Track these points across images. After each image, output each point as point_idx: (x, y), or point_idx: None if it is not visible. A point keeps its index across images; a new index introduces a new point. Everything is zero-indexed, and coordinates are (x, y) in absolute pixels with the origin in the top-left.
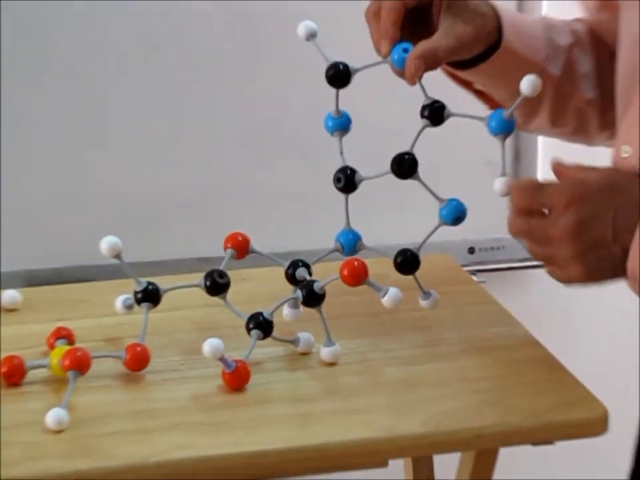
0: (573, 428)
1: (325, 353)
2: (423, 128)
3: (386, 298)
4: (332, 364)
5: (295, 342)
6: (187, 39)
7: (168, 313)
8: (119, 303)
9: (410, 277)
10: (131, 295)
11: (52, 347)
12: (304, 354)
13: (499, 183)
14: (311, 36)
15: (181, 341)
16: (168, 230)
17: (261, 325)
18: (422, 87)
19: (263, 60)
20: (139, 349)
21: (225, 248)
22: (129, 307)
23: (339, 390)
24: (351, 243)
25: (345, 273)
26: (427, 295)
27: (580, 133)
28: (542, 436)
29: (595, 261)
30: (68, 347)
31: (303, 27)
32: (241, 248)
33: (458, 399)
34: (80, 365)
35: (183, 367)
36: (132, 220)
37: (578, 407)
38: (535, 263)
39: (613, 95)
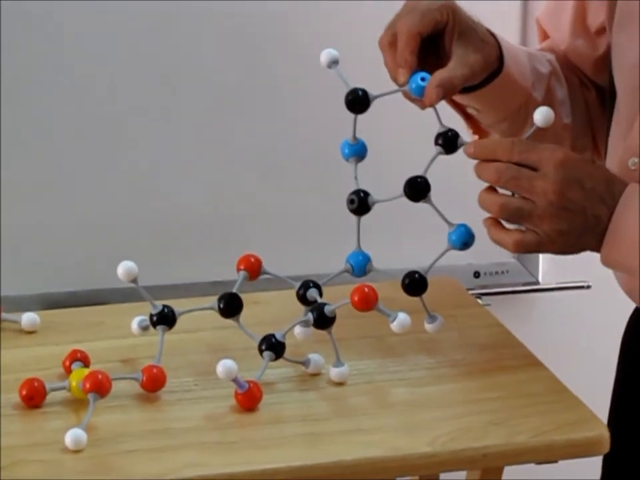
0: (575, 447)
1: (334, 373)
2: (437, 155)
3: (395, 323)
4: (341, 384)
5: (305, 363)
6: (201, 64)
7: (182, 335)
8: (134, 324)
9: (417, 300)
10: (146, 317)
11: (68, 369)
12: (314, 375)
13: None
14: (333, 63)
15: (195, 363)
16: (181, 254)
17: (273, 346)
18: (437, 114)
19: (278, 84)
20: (155, 370)
21: (238, 270)
22: (144, 328)
23: (347, 410)
24: (360, 265)
25: (356, 298)
26: (432, 318)
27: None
28: (545, 455)
29: (569, 222)
30: (87, 370)
31: (325, 55)
32: (253, 270)
33: (464, 419)
34: (100, 387)
35: (196, 388)
36: (146, 244)
37: (580, 427)
38: (538, 287)
39: (581, 121)
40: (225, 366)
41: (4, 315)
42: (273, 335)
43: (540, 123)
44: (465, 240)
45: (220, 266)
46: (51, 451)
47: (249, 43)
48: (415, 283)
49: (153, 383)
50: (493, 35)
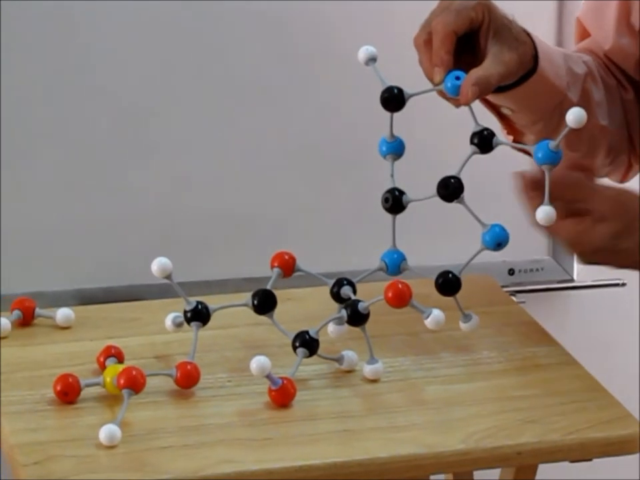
0: (609, 446)
1: (368, 370)
2: (472, 154)
3: (429, 320)
4: (375, 381)
5: (339, 360)
6: (231, 63)
7: (216, 331)
8: (168, 320)
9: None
10: (180, 313)
11: (102, 365)
12: (348, 371)
13: (542, 212)
14: (371, 60)
15: (229, 359)
16: (215, 250)
17: (307, 343)
18: (472, 113)
19: (310, 81)
20: (189, 366)
21: (272, 267)
22: (178, 325)
23: (381, 407)
24: (395, 263)
25: (390, 295)
26: (467, 317)
27: (587, 159)
28: (579, 453)
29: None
30: (121, 366)
31: (363, 52)
32: (287, 267)
33: (498, 416)
34: (135, 383)
35: (230, 384)
36: (180, 240)
37: (615, 426)
38: (573, 284)
39: (618, 123)
40: (258, 362)
41: (38, 311)
42: (307, 332)
43: (572, 124)
44: (499, 240)
45: (253, 262)
46: (85, 446)
47: (284, 40)
48: (448, 283)
49: (187, 380)
50: (528, 34)
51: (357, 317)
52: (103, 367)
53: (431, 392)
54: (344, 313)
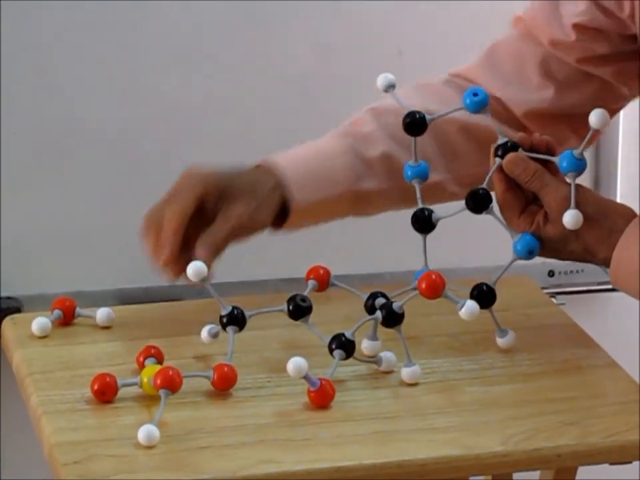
0: None
1: (405, 373)
2: (497, 166)
3: (463, 310)
4: (413, 384)
5: (377, 362)
6: (274, 62)
7: (255, 332)
8: (204, 332)
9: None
10: (215, 324)
11: (141, 364)
12: (386, 373)
13: (569, 216)
14: (390, 87)
15: (268, 359)
16: (253, 251)
17: (344, 345)
18: (497, 124)
19: (346, 90)
20: (226, 369)
21: (307, 280)
22: (214, 336)
23: (420, 408)
24: None
25: (423, 286)
26: (503, 332)
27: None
28: (619, 456)
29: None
30: (159, 366)
31: (382, 79)
32: (322, 281)
33: (537, 418)
34: (171, 384)
35: (269, 384)
36: None
37: None
38: (613, 286)
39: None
40: (295, 363)
41: (79, 310)
42: (343, 334)
43: (596, 125)
44: (531, 248)
45: (290, 264)
46: (124, 446)
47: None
48: (483, 295)
49: (224, 382)
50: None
51: (392, 317)
52: (142, 367)
53: (470, 393)
54: (379, 314)
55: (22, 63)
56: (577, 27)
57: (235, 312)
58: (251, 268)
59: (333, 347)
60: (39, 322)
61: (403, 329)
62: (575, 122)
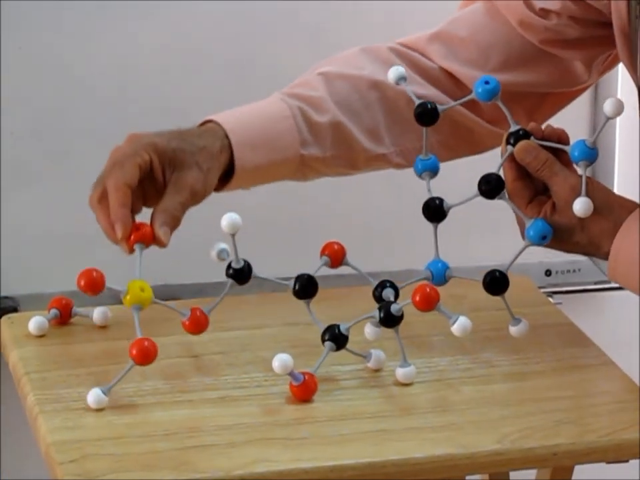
0: None
1: (400, 373)
2: (509, 154)
3: (455, 326)
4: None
5: (366, 357)
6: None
7: (251, 331)
8: (214, 251)
9: (486, 297)
10: (226, 246)
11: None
12: (383, 372)
13: (580, 203)
14: (401, 79)
15: (265, 359)
16: (252, 251)
17: (336, 337)
18: (509, 115)
19: None
20: (198, 313)
21: (321, 255)
22: (221, 259)
23: (416, 407)
24: (440, 272)
25: (417, 298)
26: (516, 321)
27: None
28: (616, 454)
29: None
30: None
31: (393, 72)
32: (336, 257)
33: (534, 417)
34: (146, 355)
35: (266, 384)
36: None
37: None
38: (610, 285)
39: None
40: (280, 360)
41: (75, 310)
42: (338, 326)
43: (610, 114)
44: (544, 233)
45: (301, 264)
46: (121, 445)
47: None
48: (496, 281)
49: (196, 325)
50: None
51: (389, 319)
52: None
53: (466, 392)
54: (376, 313)
55: (22, 63)
56: (550, 12)
57: (243, 263)
58: (261, 267)
59: (326, 337)
60: (36, 321)
61: (400, 327)
62: (528, 102)
